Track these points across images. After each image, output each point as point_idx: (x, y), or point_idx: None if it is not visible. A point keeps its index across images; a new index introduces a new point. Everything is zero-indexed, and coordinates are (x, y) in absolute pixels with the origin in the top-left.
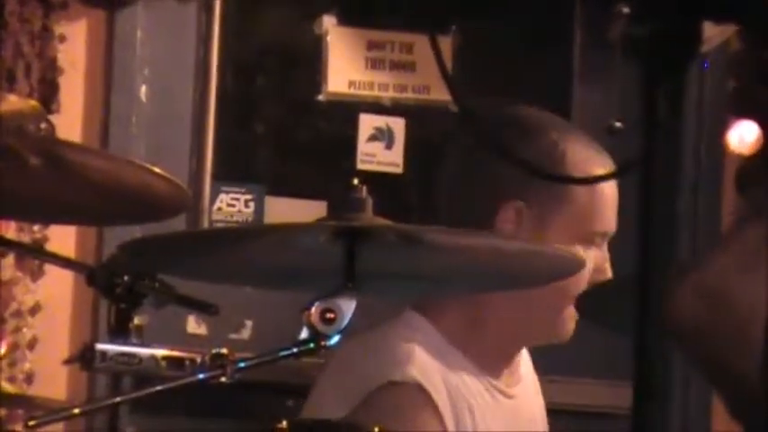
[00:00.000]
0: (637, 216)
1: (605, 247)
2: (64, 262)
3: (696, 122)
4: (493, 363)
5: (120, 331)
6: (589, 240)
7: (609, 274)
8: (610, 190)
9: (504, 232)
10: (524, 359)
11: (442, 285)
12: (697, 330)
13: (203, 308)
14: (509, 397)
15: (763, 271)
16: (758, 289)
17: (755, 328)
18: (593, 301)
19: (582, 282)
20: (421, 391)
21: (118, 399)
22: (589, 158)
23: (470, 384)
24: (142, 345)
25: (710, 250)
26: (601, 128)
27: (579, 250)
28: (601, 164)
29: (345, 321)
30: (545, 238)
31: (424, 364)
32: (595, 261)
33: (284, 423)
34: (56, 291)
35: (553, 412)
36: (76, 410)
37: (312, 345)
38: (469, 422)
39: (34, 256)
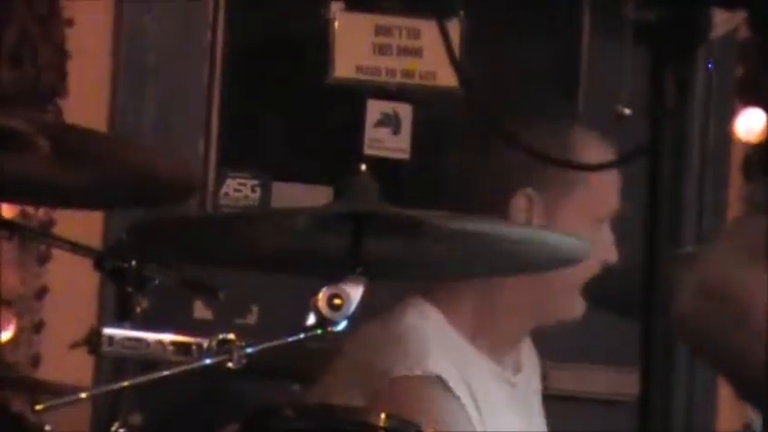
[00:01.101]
0: (643, 203)
1: (608, 227)
2: (70, 246)
3: (703, 110)
4: (498, 350)
5: (126, 316)
6: (599, 221)
7: (614, 255)
8: (613, 171)
9: (517, 220)
10: (526, 346)
11: (448, 270)
12: (700, 326)
13: (208, 293)
14: (512, 385)
15: (763, 264)
16: (759, 282)
17: (758, 320)
18: (600, 288)
19: (590, 264)
20: (441, 383)
21: (124, 383)
22: (592, 143)
23: (477, 373)
24: (149, 329)
25: (711, 244)
26: (608, 114)
27: (590, 232)
28: (603, 149)
29: (353, 307)
30: (557, 223)
31: (441, 356)
32: (603, 242)
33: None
34: (62, 275)
35: (560, 398)
36: (83, 395)
37: (319, 330)
38: (485, 413)
39: (40, 240)
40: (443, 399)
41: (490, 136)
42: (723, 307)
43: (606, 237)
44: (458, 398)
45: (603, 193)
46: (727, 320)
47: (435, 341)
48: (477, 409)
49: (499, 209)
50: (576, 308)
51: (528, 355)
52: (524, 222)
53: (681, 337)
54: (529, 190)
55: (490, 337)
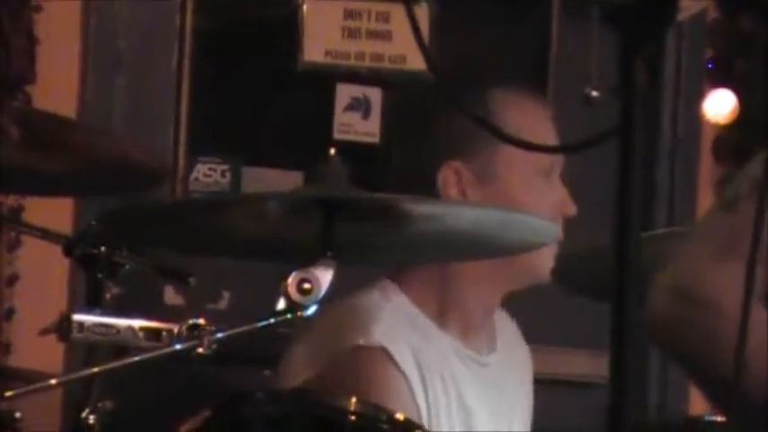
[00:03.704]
0: (614, 185)
1: (559, 181)
2: (40, 232)
3: (673, 92)
4: (469, 330)
5: (96, 302)
6: (547, 170)
7: (573, 207)
8: (543, 118)
9: (447, 194)
10: (506, 329)
11: (418, 254)
12: (670, 327)
13: (179, 278)
14: (483, 365)
15: (733, 264)
16: (729, 281)
17: (727, 320)
18: (573, 270)
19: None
20: (385, 354)
21: (94, 370)
22: (513, 102)
23: (443, 353)
24: (119, 315)
25: (682, 244)
26: (578, 97)
27: (539, 188)
28: (530, 107)
29: (323, 291)
30: (498, 188)
31: (390, 329)
32: (556, 194)
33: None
34: (33, 261)
35: (534, 381)
36: (53, 381)
37: (289, 315)
38: (441, 390)
39: (10, 226)
40: (385, 370)
41: (414, 115)
42: (695, 308)
43: (559, 190)
44: (402, 371)
45: (537, 138)
46: (698, 322)
47: (388, 316)
48: (424, 385)
49: (428, 185)
50: (542, 270)
51: (507, 337)
52: (456, 196)
53: (653, 337)
54: (455, 162)
55: (459, 316)
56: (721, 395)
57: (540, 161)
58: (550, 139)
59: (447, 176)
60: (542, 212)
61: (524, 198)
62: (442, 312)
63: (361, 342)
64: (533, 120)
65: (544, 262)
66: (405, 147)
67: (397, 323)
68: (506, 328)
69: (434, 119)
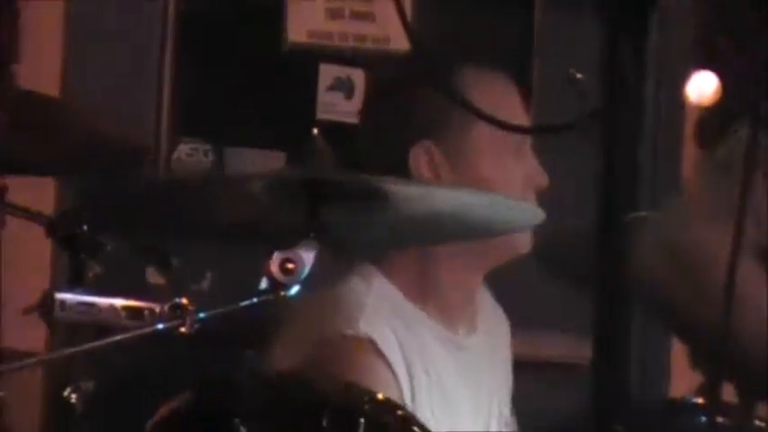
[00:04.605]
0: (598, 167)
1: (532, 155)
2: (22, 212)
3: (656, 73)
4: (449, 312)
5: (79, 281)
6: (517, 147)
7: (545, 178)
8: (513, 98)
9: (419, 175)
10: (487, 307)
11: (403, 236)
12: (659, 284)
13: (161, 259)
14: (461, 348)
15: (720, 223)
16: (717, 240)
17: (715, 277)
18: (556, 253)
19: (527, 195)
20: (372, 345)
21: (76, 349)
22: (484, 80)
23: (425, 337)
24: (101, 294)
25: (671, 206)
26: (562, 78)
27: (512, 164)
28: (500, 85)
29: (306, 272)
30: (471, 166)
31: (375, 318)
32: (527, 168)
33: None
34: (15, 242)
35: (515, 363)
36: (35, 360)
37: (272, 295)
38: (423, 377)
39: None
40: (372, 361)
41: (386, 94)
42: (684, 269)
43: (529, 163)
44: (388, 362)
45: (507, 116)
46: (687, 282)
47: (373, 304)
48: (410, 374)
49: (400, 165)
50: (521, 242)
51: (488, 317)
52: (427, 175)
53: (641, 299)
54: (427, 142)
55: (439, 299)
56: (708, 356)
57: (510, 139)
58: (521, 117)
59: (419, 156)
60: (514, 188)
61: (495, 176)
62: (423, 295)
63: (348, 332)
64: (504, 99)
65: (523, 234)
66: (377, 126)
67: (381, 310)
68: (487, 307)
69: (406, 98)
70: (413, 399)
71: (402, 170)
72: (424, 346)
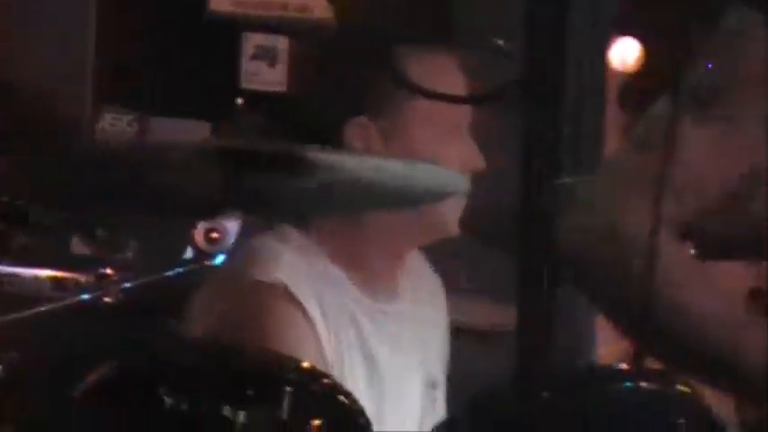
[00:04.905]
0: (520, 137)
1: (469, 138)
2: None
3: (578, 40)
4: (372, 279)
5: (3, 252)
6: (455, 127)
7: (482, 162)
8: (451, 74)
9: (355, 149)
10: (419, 277)
11: (325, 205)
12: (583, 266)
13: (86, 229)
14: (384, 314)
15: (643, 198)
16: (634, 217)
17: (633, 255)
18: (479, 221)
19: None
20: (284, 290)
21: (1, 318)
22: (422, 59)
23: (348, 303)
24: (26, 265)
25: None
26: (485, 47)
27: (448, 143)
28: (437, 61)
29: (230, 241)
30: (407, 144)
31: (289, 267)
32: (464, 150)
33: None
34: None
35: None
36: None
37: (197, 264)
38: (344, 337)
39: None
40: (287, 307)
41: (322, 69)
42: (616, 247)
43: (467, 146)
44: (305, 310)
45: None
46: (621, 260)
47: (290, 257)
48: (329, 329)
49: (335, 140)
50: (450, 222)
51: (419, 285)
52: (363, 152)
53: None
54: (362, 119)
55: (364, 268)
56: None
57: (448, 117)
58: (459, 93)
59: (354, 132)
60: (452, 167)
61: (432, 155)
62: (348, 262)
63: (260, 278)
64: (438, 75)
65: (451, 215)
66: (311, 100)
67: (297, 262)
68: (418, 274)
69: (341, 74)
70: (331, 350)
71: (337, 144)
72: (346, 308)
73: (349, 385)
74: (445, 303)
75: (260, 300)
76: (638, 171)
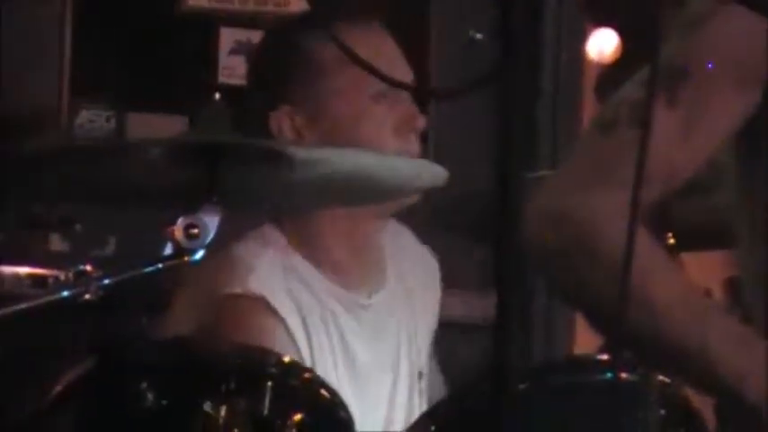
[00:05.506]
0: (495, 128)
1: (403, 97)
2: None
3: (555, 31)
4: (349, 272)
5: None
6: (382, 93)
7: (422, 120)
8: (390, 51)
9: (285, 139)
10: (405, 260)
11: (303, 200)
12: (547, 253)
13: (64, 225)
14: (363, 307)
15: (609, 188)
16: (604, 205)
17: (605, 244)
18: (457, 213)
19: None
20: (263, 302)
21: None
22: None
23: (324, 298)
24: (4, 263)
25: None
26: (460, 40)
27: (378, 109)
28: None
29: (209, 237)
30: (334, 122)
31: (267, 277)
32: (400, 112)
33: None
34: None
35: None
36: None
37: (176, 260)
38: (324, 335)
39: None
40: (264, 318)
41: (253, 59)
42: (571, 233)
43: (402, 106)
44: (282, 319)
45: (388, 67)
46: (576, 247)
47: (266, 265)
48: (308, 334)
49: (264, 130)
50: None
51: (407, 268)
52: (292, 141)
53: (532, 266)
54: (285, 107)
55: (326, 253)
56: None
57: (371, 86)
58: (401, 67)
59: (280, 121)
60: (384, 133)
61: (362, 128)
62: (315, 254)
63: (238, 290)
64: (381, 49)
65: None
66: (246, 92)
67: (275, 271)
68: (403, 257)
69: (264, 64)
70: (311, 353)
71: (265, 134)
72: (324, 306)
73: (325, 377)
74: (436, 280)
75: (238, 312)
76: (601, 157)
